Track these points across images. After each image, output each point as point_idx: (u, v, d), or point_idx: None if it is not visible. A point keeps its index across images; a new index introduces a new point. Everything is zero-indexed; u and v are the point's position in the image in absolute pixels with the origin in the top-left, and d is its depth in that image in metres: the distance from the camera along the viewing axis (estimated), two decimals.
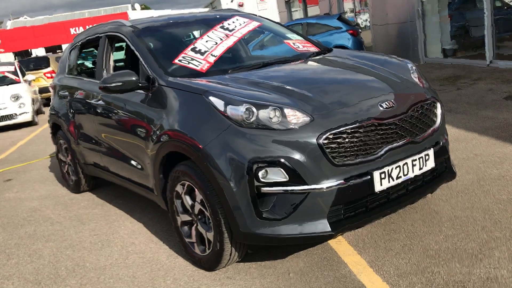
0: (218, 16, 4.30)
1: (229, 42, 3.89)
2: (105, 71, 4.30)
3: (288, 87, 3.08)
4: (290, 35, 4.39)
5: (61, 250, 3.91)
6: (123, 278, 3.31)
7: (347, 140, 2.75)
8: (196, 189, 3.06)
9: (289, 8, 24.17)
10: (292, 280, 2.97)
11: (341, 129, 2.73)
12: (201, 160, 2.90)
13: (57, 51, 30.10)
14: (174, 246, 3.65)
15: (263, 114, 2.76)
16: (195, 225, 3.22)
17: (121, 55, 5.10)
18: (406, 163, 2.94)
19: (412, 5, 12.48)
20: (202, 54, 3.69)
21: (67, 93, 5.04)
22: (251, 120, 2.77)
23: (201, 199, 3.03)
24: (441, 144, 3.23)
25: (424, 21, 12.48)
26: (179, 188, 3.25)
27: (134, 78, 3.50)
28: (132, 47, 3.84)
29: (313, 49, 4.17)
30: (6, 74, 12.57)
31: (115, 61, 4.53)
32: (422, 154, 3.02)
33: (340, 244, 3.33)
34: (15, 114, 11.36)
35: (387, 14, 13.81)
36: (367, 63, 3.56)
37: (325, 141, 2.69)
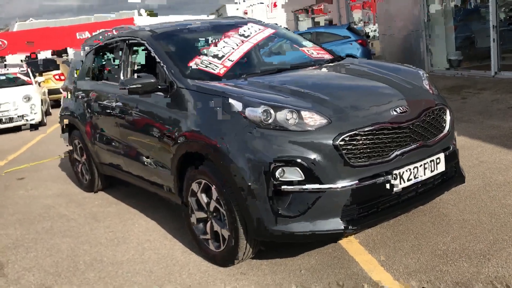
0: (233, 23, 4.44)
1: (245, 47, 4.02)
2: (124, 74, 4.44)
3: (304, 90, 3.21)
4: (304, 42, 4.53)
5: (78, 245, 4.03)
6: (140, 272, 3.42)
7: (362, 142, 2.87)
8: (212, 187, 3.17)
9: (296, 17, 24.44)
10: (304, 277, 3.08)
11: (357, 131, 2.85)
12: (219, 159, 3.02)
13: (63, 55, 30.33)
14: (188, 243, 3.76)
15: (280, 115, 2.89)
16: (209, 222, 3.33)
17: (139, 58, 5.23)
18: (418, 166, 3.05)
19: (418, 15, 12.63)
20: (219, 58, 3.82)
21: (83, 94, 5.18)
22: (269, 121, 2.89)
23: (217, 196, 3.15)
24: (451, 149, 3.35)
25: (430, 31, 12.62)
26: (194, 186, 3.37)
27: (152, 80, 3.63)
28: (151, 51, 3.97)
29: (327, 56, 4.30)
30: (18, 75, 12.74)
31: (134, 64, 4.66)
32: (433, 158, 3.14)
33: (351, 244, 3.44)
34: (26, 114, 11.52)
35: (394, 25, 13.97)
36: (380, 70, 3.69)
37: (342, 143, 2.81)
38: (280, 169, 2.81)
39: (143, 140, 3.98)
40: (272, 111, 2.90)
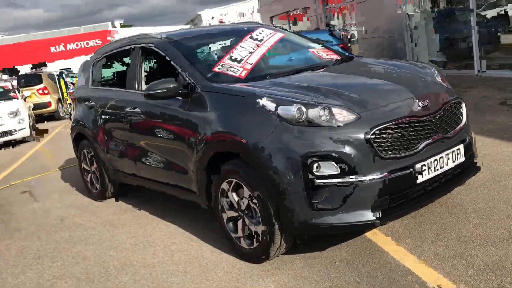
0: (245, 28, 4.56)
1: (262, 51, 4.15)
2: (138, 81, 4.51)
3: (329, 88, 3.34)
4: (312, 44, 4.68)
5: (104, 252, 4.06)
6: (175, 273, 3.48)
7: (391, 135, 3.01)
8: (244, 185, 3.27)
9: (272, 23, 24.65)
10: (340, 268, 3.19)
11: (386, 124, 2.99)
12: (253, 157, 3.12)
13: (41, 68, 30.01)
14: (215, 243, 3.84)
15: (313, 113, 3.01)
16: (241, 220, 3.42)
17: (154, 65, 5.29)
18: (442, 157, 3.21)
19: (400, 19, 12.97)
20: (239, 62, 3.93)
21: (93, 103, 5.22)
22: (302, 119, 3.01)
23: (249, 194, 3.25)
24: (467, 140, 3.52)
25: (413, 34, 12.97)
26: (225, 185, 3.46)
27: (176, 85, 3.72)
28: (169, 57, 4.05)
29: (336, 56, 4.45)
30: (4, 89, 12.61)
31: (151, 70, 4.74)
32: (455, 149, 3.31)
33: (377, 235, 3.57)
34: (15, 130, 11.39)
35: (374, 27, 14.29)
36: (393, 67, 3.85)
37: (373, 136, 2.94)
38: (316, 164, 2.93)
39: (165, 144, 4.05)
40: (304, 109, 3.02)
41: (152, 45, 4.33)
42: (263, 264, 3.39)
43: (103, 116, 5.01)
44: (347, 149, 2.92)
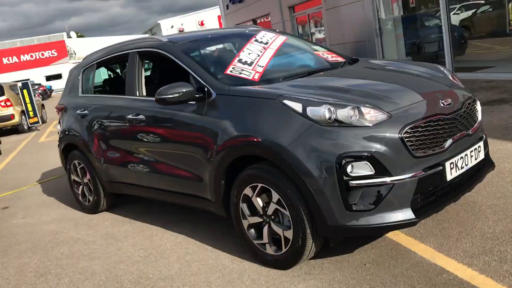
0: (247, 31, 4.49)
1: (269, 53, 4.08)
2: (139, 87, 4.35)
3: (350, 88, 3.31)
4: (315, 46, 4.65)
5: (113, 266, 3.87)
6: (198, 284, 3.35)
7: (421, 133, 3.00)
8: (272, 190, 3.18)
9: None
10: (371, 270, 3.14)
11: (417, 123, 2.98)
12: (283, 160, 3.04)
13: None
14: (232, 250, 3.73)
15: (343, 113, 2.96)
16: (267, 225, 3.32)
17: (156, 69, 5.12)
18: (467, 154, 3.23)
19: (369, 24, 13.20)
20: (249, 65, 3.85)
21: (87, 112, 5.00)
22: (332, 119, 2.96)
23: (278, 198, 3.16)
24: (484, 137, 3.56)
25: (382, 39, 13.24)
26: (247, 191, 3.36)
27: (190, 89, 3.60)
28: (179, 62, 3.92)
29: (340, 59, 4.44)
30: None
31: (155, 75, 4.58)
32: (476, 146, 3.34)
33: (399, 236, 3.55)
34: None
35: (343, 34, 14.50)
36: (405, 68, 3.87)
37: (405, 135, 2.93)
38: (350, 164, 2.88)
39: (176, 151, 3.91)
40: (333, 109, 2.97)
41: (157, 49, 4.18)
42: (290, 270, 3.30)
43: (99, 125, 4.80)
44: (381, 149, 2.88)
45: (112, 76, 5.79)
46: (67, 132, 5.37)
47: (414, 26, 13.50)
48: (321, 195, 2.93)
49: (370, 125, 2.94)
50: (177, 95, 3.57)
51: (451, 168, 3.10)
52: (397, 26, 13.30)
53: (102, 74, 5.54)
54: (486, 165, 3.65)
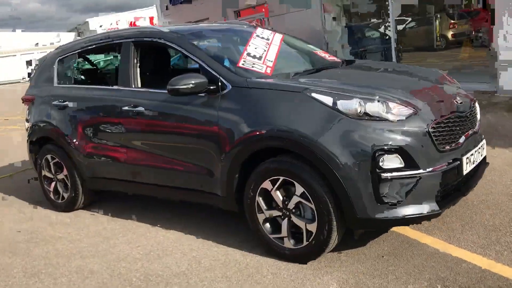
0: (245, 27, 4.47)
1: (275, 49, 4.08)
2: (134, 78, 4.18)
3: (370, 84, 3.39)
4: (311, 46, 4.72)
5: (113, 264, 3.66)
6: (216, 279, 3.25)
7: (443, 129, 3.14)
8: (296, 182, 3.17)
9: None
10: (391, 261, 3.22)
11: (440, 119, 3.12)
12: (312, 153, 3.04)
13: None
14: (240, 245, 3.67)
15: (372, 107, 3.02)
16: (286, 219, 3.30)
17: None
18: (476, 151, 3.42)
19: (318, 36, 13.52)
20: (259, 59, 3.83)
21: (67, 103, 4.70)
22: (361, 113, 3.01)
23: (302, 191, 3.16)
24: (483, 136, 3.79)
25: (328, 48, 13.64)
26: (266, 184, 3.32)
27: (204, 80, 3.51)
28: (188, 53, 3.82)
29: (336, 58, 4.54)
30: None
31: (153, 66, 4.38)
32: (482, 143, 3.55)
33: (405, 230, 3.66)
34: None
35: None
36: (405, 69, 4.03)
37: (432, 130, 3.05)
38: (381, 157, 2.94)
39: (183, 145, 3.78)
40: (363, 103, 3.03)
41: (160, 39, 4.02)
42: (309, 264, 3.29)
43: (84, 117, 4.54)
44: (411, 142, 2.98)
45: (95, 66, 5.50)
46: (39, 125, 5.02)
47: (357, 36, 14.07)
48: (352, 188, 2.97)
49: (397, 119, 3.03)
50: (191, 85, 3.47)
51: (467, 163, 3.27)
52: (344, 36, 13.77)
53: (81, 64, 5.24)
54: (483, 162, 3.87)
